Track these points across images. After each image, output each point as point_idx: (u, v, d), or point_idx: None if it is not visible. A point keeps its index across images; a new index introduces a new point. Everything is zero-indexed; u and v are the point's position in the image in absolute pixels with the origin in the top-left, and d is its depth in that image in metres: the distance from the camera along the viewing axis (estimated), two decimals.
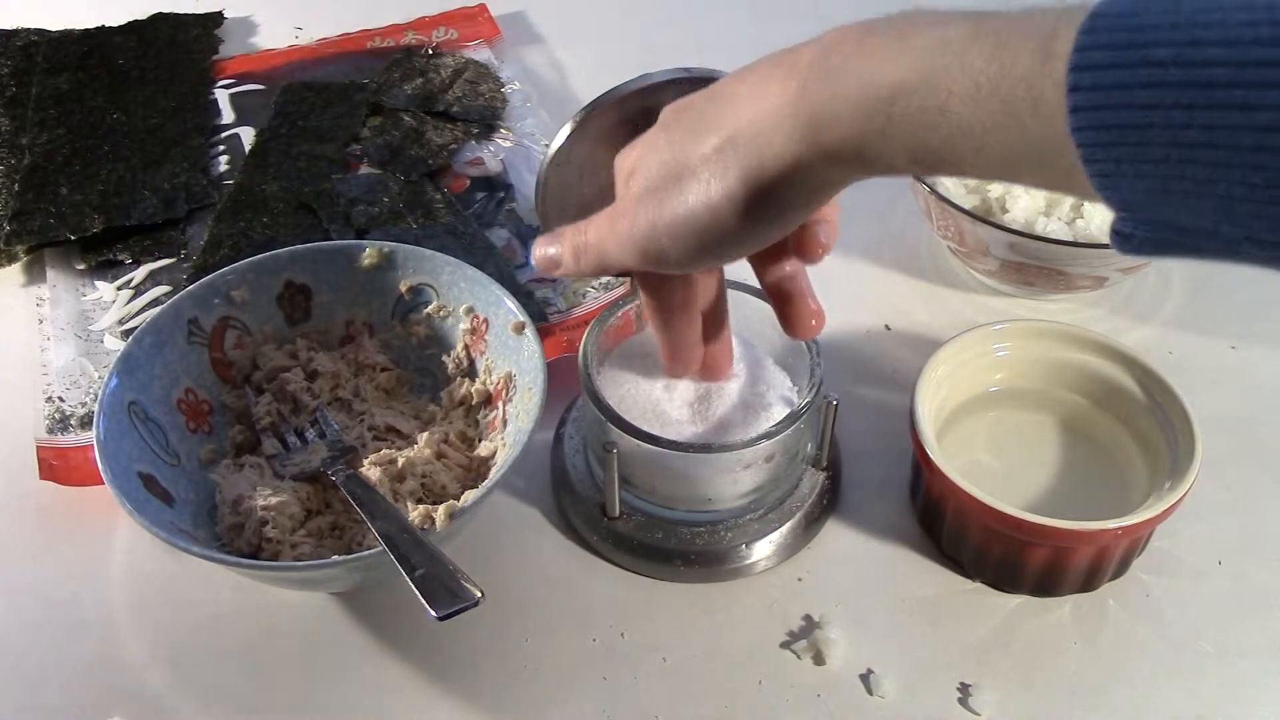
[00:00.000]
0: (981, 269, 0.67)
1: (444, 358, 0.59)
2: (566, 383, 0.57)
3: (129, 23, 0.89)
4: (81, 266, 0.69)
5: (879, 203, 0.73)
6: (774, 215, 0.39)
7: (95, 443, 0.49)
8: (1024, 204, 0.64)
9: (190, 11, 0.91)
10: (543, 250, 0.47)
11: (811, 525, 0.55)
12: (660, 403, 0.52)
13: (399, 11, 0.91)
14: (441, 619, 0.43)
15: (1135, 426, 0.55)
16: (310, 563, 0.49)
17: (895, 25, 0.35)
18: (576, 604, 0.52)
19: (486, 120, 0.80)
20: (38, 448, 0.58)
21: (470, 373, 0.58)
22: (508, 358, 0.56)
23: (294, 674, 0.50)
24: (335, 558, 0.49)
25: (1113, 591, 0.52)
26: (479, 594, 0.43)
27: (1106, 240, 0.33)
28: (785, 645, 0.51)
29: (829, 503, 0.56)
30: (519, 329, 0.55)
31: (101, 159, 0.75)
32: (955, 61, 0.32)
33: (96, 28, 0.88)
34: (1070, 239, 0.61)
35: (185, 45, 0.87)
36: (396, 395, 0.60)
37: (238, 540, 0.51)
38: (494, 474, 0.51)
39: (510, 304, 0.56)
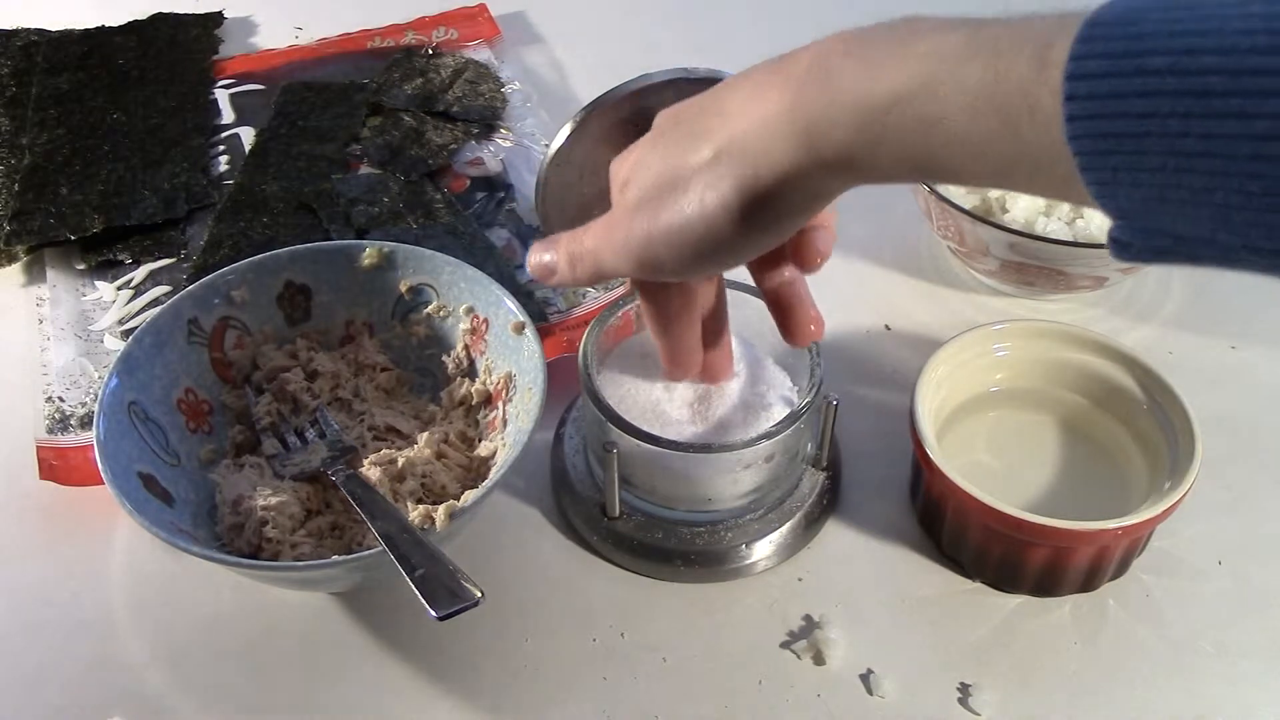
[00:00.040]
0: (981, 269, 0.67)
1: (444, 358, 0.59)
2: (566, 383, 0.57)
3: (129, 23, 0.89)
4: (81, 266, 0.69)
5: (879, 203, 0.73)
6: (770, 223, 0.39)
7: (95, 443, 0.49)
8: (1024, 204, 0.64)
9: (190, 11, 0.91)
10: (537, 258, 0.47)
11: (811, 525, 0.55)
12: (660, 403, 0.52)
13: (399, 11, 0.91)
14: (441, 619, 0.43)
15: (1135, 426, 0.55)
16: (310, 563, 0.49)
17: (890, 33, 0.35)
18: (576, 604, 0.52)
19: (486, 120, 0.80)
20: (38, 448, 0.58)
21: (470, 373, 0.58)
22: (508, 358, 0.56)
23: (294, 674, 0.50)
24: (335, 558, 0.49)
25: (1113, 591, 0.52)
26: (479, 594, 0.43)
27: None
28: (785, 645, 0.51)
29: (829, 503, 0.56)
30: (519, 329, 0.55)
31: (101, 159, 0.75)
32: (951, 71, 0.32)
33: (96, 28, 0.88)
34: (1070, 239, 0.61)
35: (185, 45, 0.87)
36: (396, 395, 0.60)
37: (238, 540, 0.51)
38: (494, 474, 0.51)
39: (510, 304, 0.56)
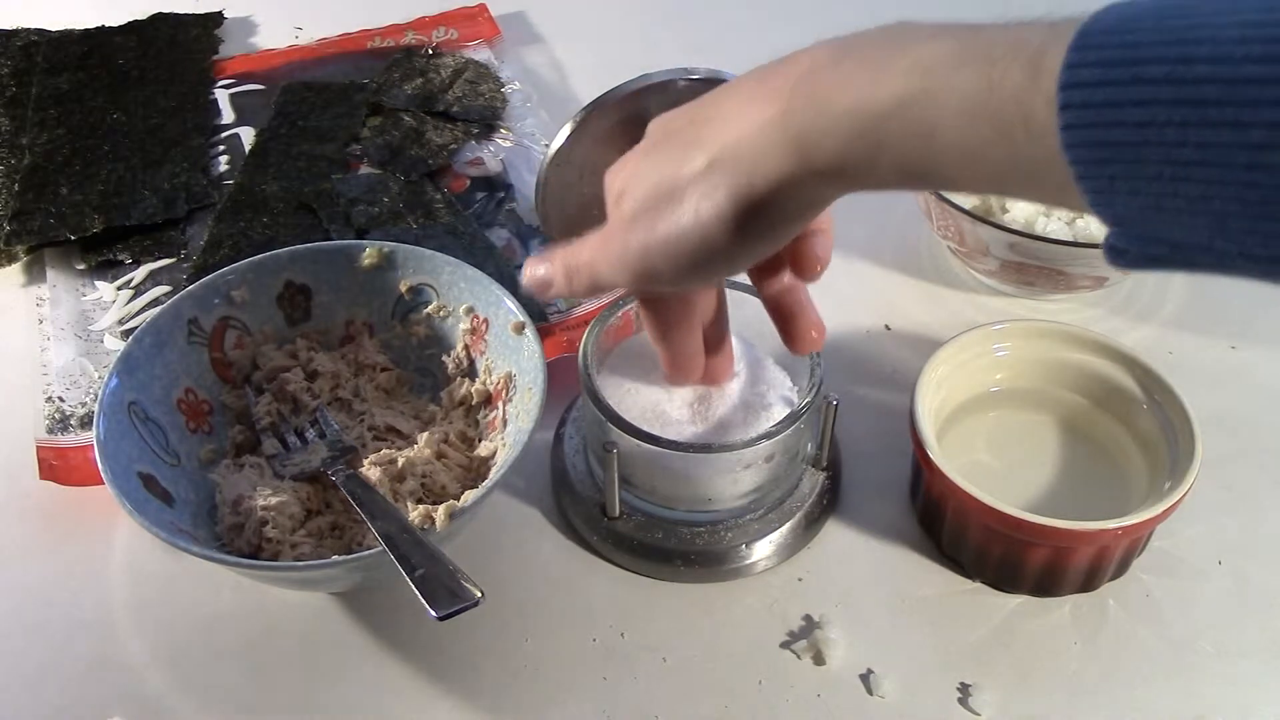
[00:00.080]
0: (981, 269, 0.67)
1: (444, 358, 0.59)
2: (566, 383, 0.57)
3: (129, 23, 0.89)
4: (81, 266, 0.69)
5: (879, 203, 0.72)
6: (765, 231, 0.39)
7: (95, 443, 0.49)
8: (1024, 204, 0.64)
9: (190, 11, 0.91)
10: (533, 271, 0.47)
11: (811, 525, 0.55)
12: (660, 403, 0.52)
13: (399, 11, 0.91)
14: (441, 619, 0.43)
15: (1135, 426, 0.55)
16: (310, 563, 0.49)
17: (881, 41, 0.35)
18: (576, 604, 0.52)
19: (486, 120, 0.80)
20: (38, 448, 0.58)
21: (470, 373, 0.58)
22: (508, 358, 0.56)
23: (294, 674, 0.50)
24: (335, 558, 0.49)
25: (1113, 591, 0.52)
26: (479, 594, 0.43)
27: None
28: (785, 645, 0.51)
29: (829, 503, 0.56)
30: (519, 329, 0.55)
31: (101, 159, 0.75)
32: (943, 80, 0.32)
33: (96, 28, 0.88)
34: (1070, 239, 0.61)
35: (185, 45, 0.87)
36: (396, 395, 0.60)
37: (238, 540, 0.51)
38: (494, 474, 0.51)
39: (510, 304, 0.56)
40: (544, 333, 0.60)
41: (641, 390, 0.52)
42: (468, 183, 0.75)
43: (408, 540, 0.46)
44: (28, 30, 0.88)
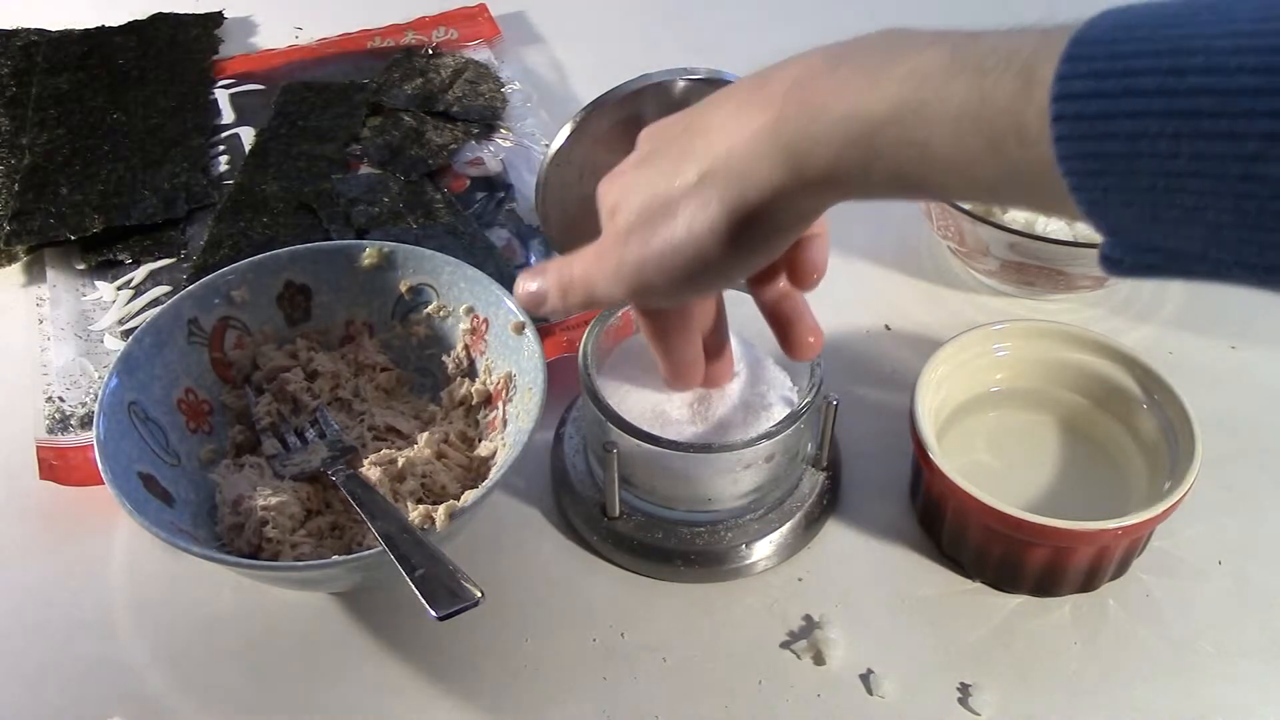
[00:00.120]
0: (981, 269, 0.67)
1: (444, 358, 0.59)
2: (566, 383, 0.57)
3: (129, 23, 0.89)
4: (81, 266, 0.69)
5: (879, 203, 0.73)
6: (759, 243, 0.39)
7: (95, 443, 0.49)
8: None
9: (190, 11, 0.91)
10: (525, 286, 0.46)
11: (811, 525, 0.55)
12: (660, 403, 0.52)
13: (399, 11, 0.91)
14: (441, 619, 0.43)
15: (1135, 426, 0.55)
16: (310, 563, 0.49)
17: (875, 49, 0.34)
18: (576, 604, 0.52)
19: (486, 120, 0.80)
20: (38, 448, 0.58)
21: (470, 373, 0.59)
22: (508, 358, 0.56)
23: (294, 674, 0.50)
24: (335, 558, 0.49)
25: (1113, 591, 0.52)
26: (479, 594, 0.43)
27: None
28: (785, 645, 0.51)
29: (829, 503, 0.56)
30: (519, 329, 0.55)
31: (101, 159, 0.75)
32: (935, 91, 0.32)
33: (96, 28, 0.88)
34: (1070, 239, 0.61)
35: (185, 45, 0.87)
36: (396, 395, 0.60)
37: (238, 540, 0.51)
38: (494, 474, 0.51)
39: (510, 304, 0.56)
40: (544, 333, 0.60)
41: (641, 390, 0.52)
42: (468, 183, 0.75)
43: (408, 540, 0.46)
44: (28, 30, 0.88)
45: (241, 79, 0.85)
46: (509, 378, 0.55)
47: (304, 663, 0.51)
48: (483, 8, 0.92)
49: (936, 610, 0.52)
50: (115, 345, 0.64)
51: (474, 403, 0.58)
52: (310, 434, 0.56)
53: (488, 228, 0.71)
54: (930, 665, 0.50)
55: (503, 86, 0.83)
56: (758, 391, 0.53)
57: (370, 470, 0.53)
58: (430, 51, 0.86)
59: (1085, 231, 0.63)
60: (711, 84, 0.46)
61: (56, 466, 0.57)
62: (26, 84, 0.82)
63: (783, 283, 0.47)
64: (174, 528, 0.48)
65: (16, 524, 0.56)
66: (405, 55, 0.86)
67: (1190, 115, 0.26)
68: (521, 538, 0.55)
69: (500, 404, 0.56)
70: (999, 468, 0.55)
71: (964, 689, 0.49)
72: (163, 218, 0.71)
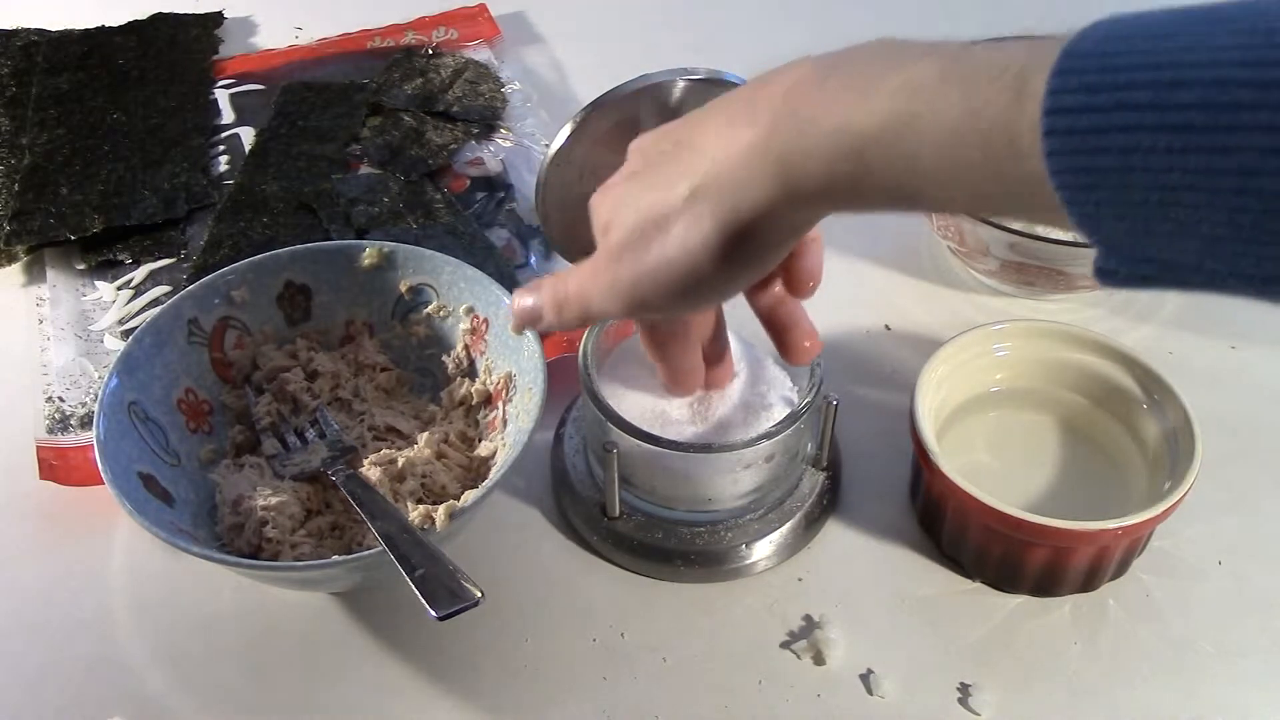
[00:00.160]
0: (981, 269, 0.67)
1: (444, 358, 0.59)
2: (566, 383, 0.57)
3: (129, 23, 0.89)
4: (81, 266, 0.69)
5: None
6: (752, 258, 0.39)
7: (95, 443, 0.49)
8: None
9: (190, 11, 0.91)
10: (520, 302, 0.46)
11: (811, 525, 0.55)
12: (660, 403, 0.52)
13: (399, 11, 0.91)
14: (441, 619, 0.43)
15: (1135, 426, 0.55)
16: (310, 563, 0.49)
17: (862, 62, 0.34)
18: (576, 604, 0.52)
19: (486, 120, 0.80)
20: (38, 448, 0.58)
21: (470, 373, 0.59)
22: (508, 358, 0.56)
23: (294, 674, 0.50)
24: (335, 558, 0.49)
25: (1113, 591, 0.52)
26: (479, 594, 0.43)
27: None
28: (785, 645, 0.51)
29: (829, 503, 0.56)
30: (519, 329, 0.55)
31: (101, 159, 0.75)
32: (927, 104, 0.31)
33: (96, 28, 0.88)
34: (1070, 239, 0.61)
35: (185, 45, 0.87)
36: (396, 395, 0.60)
37: (238, 540, 0.51)
38: (494, 474, 0.51)
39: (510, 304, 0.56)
40: (544, 333, 0.60)
41: (641, 390, 0.52)
42: (468, 183, 0.75)
43: (408, 540, 0.46)
44: (28, 30, 0.88)
45: (241, 79, 0.85)
46: (509, 378, 0.55)
47: (304, 663, 0.51)
48: (483, 8, 0.92)
49: (936, 610, 0.52)
50: (115, 345, 0.64)
51: (474, 403, 0.58)
52: (310, 434, 0.56)
53: (488, 228, 0.71)
54: (930, 665, 0.50)
55: (503, 86, 0.83)
56: (758, 391, 0.53)
57: (370, 470, 0.53)
58: (430, 51, 0.86)
59: None
60: (711, 84, 0.46)
61: (56, 466, 0.57)
62: (26, 84, 0.82)
63: (778, 288, 0.47)
64: (174, 528, 0.48)
65: (16, 524, 0.56)
66: (405, 55, 0.86)
67: (1183, 129, 0.26)
68: (521, 538, 0.55)
69: (500, 404, 0.56)
70: (999, 468, 0.55)
71: (964, 689, 0.49)
72: (163, 218, 0.71)
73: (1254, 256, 0.27)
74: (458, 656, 0.50)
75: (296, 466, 0.54)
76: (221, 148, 0.78)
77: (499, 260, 0.67)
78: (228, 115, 0.81)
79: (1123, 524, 0.48)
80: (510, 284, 0.57)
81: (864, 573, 0.54)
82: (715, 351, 0.51)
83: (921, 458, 0.52)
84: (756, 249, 0.39)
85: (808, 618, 0.52)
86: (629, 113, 0.47)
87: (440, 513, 0.49)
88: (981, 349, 0.57)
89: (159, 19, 0.89)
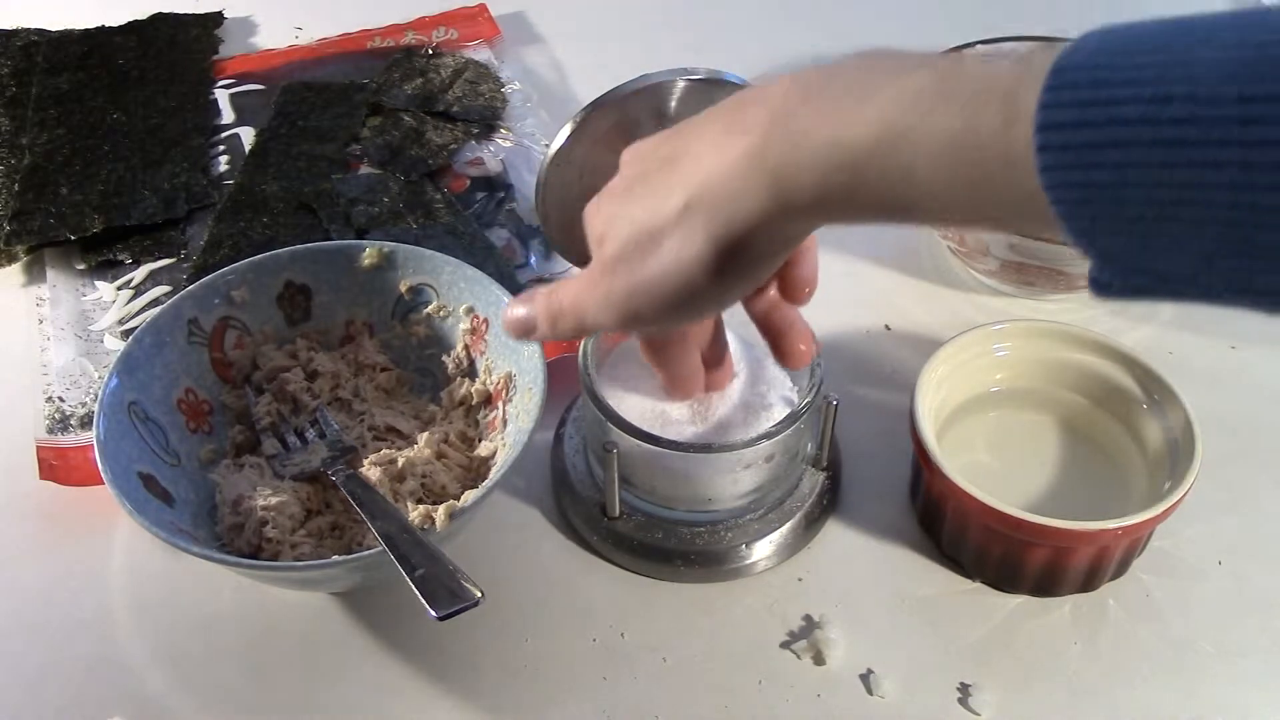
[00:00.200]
0: (981, 269, 0.67)
1: (444, 358, 0.59)
2: (566, 383, 0.57)
3: (129, 23, 0.89)
4: (81, 266, 0.69)
5: None
6: (746, 270, 0.39)
7: (95, 443, 0.49)
8: None
9: (190, 11, 0.91)
10: (513, 312, 0.46)
11: (811, 525, 0.55)
12: (660, 403, 0.52)
13: (399, 11, 0.91)
14: (441, 619, 0.43)
15: (1135, 426, 0.55)
16: (310, 563, 0.49)
17: (854, 75, 0.34)
18: (576, 604, 0.52)
19: (486, 120, 0.80)
20: (38, 448, 0.58)
21: (470, 373, 0.59)
22: (508, 358, 0.56)
23: (294, 674, 0.50)
24: (335, 558, 0.49)
25: (1113, 591, 0.52)
26: (479, 594, 0.43)
27: None
28: (785, 645, 0.51)
29: (829, 503, 0.56)
30: None
31: (101, 159, 0.75)
32: (920, 118, 0.31)
33: (96, 28, 0.88)
34: None
35: (185, 45, 0.87)
36: (396, 395, 0.60)
37: (238, 540, 0.51)
38: (494, 474, 0.51)
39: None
40: None
41: (641, 390, 0.52)
42: (468, 183, 0.75)
43: (408, 540, 0.46)
44: (28, 30, 0.88)
45: (241, 79, 0.85)
46: (509, 378, 0.55)
47: (304, 663, 0.51)
48: (483, 8, 0.92)
49: (936, 610, 0.52)
50: (115, 345, 0.64)
51: (474, 403, 0.58)
52: (310, 434, 0.56)
53: (488, 228, 0.71)
54: (930, 665, 0.50)
55: (503, 86, 0.83)
56: (758, 391, 0.53)
57: (370, 470, 0.53)
58: (430, 51, 0.86)
59: None
60: (711, 84, 0.46)
61: (56, 466, 0.57)
62: (26, 84, 0.82)
63: (773, 293, 0.47)
64: (174, 528, 0.48)
65: (16, 524, 0.56)
66: (405, 55, 0.86)
67: (1174, 145, 0.26)
68: (521, 538, 0.55)
69: (500, 404, 0.56)
70: (999, 468, 0.55)
71: (964, 689, 0.49)
72: (163, 218, 0.71)
73: (1247, 270, 0.27)
74: (458, 656, 0.50)
75: (296, 466, 0.54)
76: (221, 148, 0.78)
77: (499, 260, 0.67)
78: (228, 115, 0.81)
79: (1123, 524, 0.48)
80: (510, 284, 0.57)
81: (864, 573, 0.54)
82: (714, 355, 0.51)
83: (921, 458, 0.52)
84: (750, 261, 0.39)
85: (808, 618, 0.52)
86: (629, 113, 0.47)
87: (440, 513, 0.49)
88: (981, 349, 0.57)
89: (159, 19, 0.89)
